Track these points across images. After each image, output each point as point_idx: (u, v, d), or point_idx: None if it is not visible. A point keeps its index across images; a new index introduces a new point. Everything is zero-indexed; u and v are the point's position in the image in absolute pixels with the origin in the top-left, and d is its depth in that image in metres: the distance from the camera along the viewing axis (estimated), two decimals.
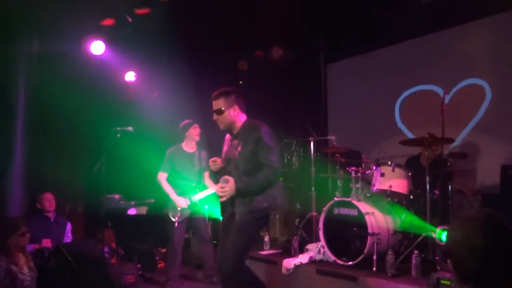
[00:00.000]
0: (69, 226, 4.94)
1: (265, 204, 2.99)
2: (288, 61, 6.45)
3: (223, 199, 2.95)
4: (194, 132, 4.57)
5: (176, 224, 4.41)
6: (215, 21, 5.47)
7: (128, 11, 5.35)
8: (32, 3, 4.71)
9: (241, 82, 7.29)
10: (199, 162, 4.58)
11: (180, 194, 4.47)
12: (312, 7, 5.59)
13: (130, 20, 5.44)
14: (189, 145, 4.63)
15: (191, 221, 4.58)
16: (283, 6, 5.39)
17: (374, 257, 3.77)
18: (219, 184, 2.97)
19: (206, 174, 4.67)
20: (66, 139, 6.06)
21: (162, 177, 4.55)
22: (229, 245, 2.98)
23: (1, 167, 4.94)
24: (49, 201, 4.74)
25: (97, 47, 5.80)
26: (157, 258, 5.64)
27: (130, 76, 6.74)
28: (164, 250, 5.80)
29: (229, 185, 2.92)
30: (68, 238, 4.89)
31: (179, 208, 4.43)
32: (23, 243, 3.35)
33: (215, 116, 3.11)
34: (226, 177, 2.95)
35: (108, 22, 5.55)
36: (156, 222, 6.00)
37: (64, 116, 5.73)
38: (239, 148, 3.04)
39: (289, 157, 6.51)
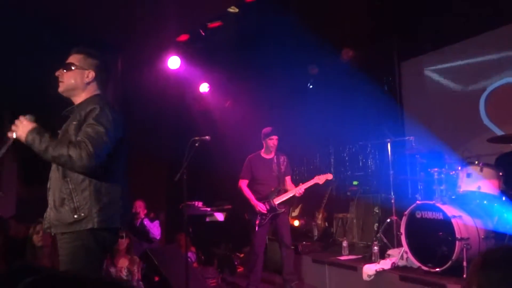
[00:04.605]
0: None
1: (82, 214, 2.11)
2: (360, 61, 6.31)
3: (9, 134, 2.15)
4: (271, 143, 4.66)
5: (256, 229, 4.49)
6: (284, 28, 5.52)
7: (201, 26, 5.60)
8: (116, 27, 5.13)
9: (310, 86, 7.27)
10: (278, 167, 4.66)
11: (260, 199, 4.56)
12: (382, 4, 5.44)
13: (203, 34, 5.69)
14: (268, 152, 4.73)
15: (272, 225, 4.65)
16: (353, 6, 5.30)
17: (464, 263, 3.52)
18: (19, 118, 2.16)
19: (287, 178, 4.73)
20: (148, 150, 6.46)
21: (243, 183, 4.69)
22: None
23: None
24: (140, 208, 5.24)
25: (174, 62, 6.14)
26: (236, 262, 5.78)
27: (204, 88, 7.05)
28: (242, 255, 5.94)
29: (25, 122, 2.14)
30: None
31: (259, 213, 4.51)
32: (119, 246, 3.63)
33: (59, 71, 2.30)
34: (30, 118, 2.17)
35: (183, 37, 5.86)
36: (233, 227, 6.19)
37: (147, 128, 6.14)
38: (68, 123, 2.27)
39: (364, 160, 6.36)
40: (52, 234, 2.22)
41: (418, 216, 4.00)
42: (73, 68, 2.27)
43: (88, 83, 2.30)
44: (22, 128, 2.13)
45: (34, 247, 3.46)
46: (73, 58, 2.31)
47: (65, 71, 2.28)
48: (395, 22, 5.82)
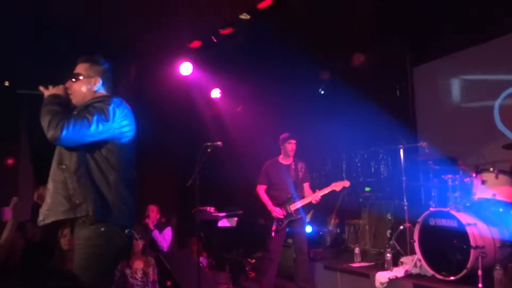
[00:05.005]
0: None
1: (76, 201, 2.09)
2: (371, 67, 6.29)
3: (41, 87, 2.28)
4: (289, 147, 4.67)
5: (273, 234, 4.49)
6: (295, 34, 5.54)
7: (213, 32, 5.65)
8: (130, 33, 5.21)
9: (322, 91, 7.26)
10: (295, 173, 4.66)
11: (277, 204, 4.57)
12: (394, 9, 5.43)
13: (215, 40, 5.73)
14: (286, 158, 4.74)
15: (289, 231, 4.64)
16: (363, 12, 5.30)
17: (479, 272, 3.47)
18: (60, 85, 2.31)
19: (306, 184, 4.73)
20: (161, 156, 6.51)
21: (260, 189, 4.71)
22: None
23: None
24: (153, 212, 5.26)
25: (186, 68, 6.20)
26: (247, 268, 5.77)
27: (215, 93, 7.09)
28: (253, 260, 5.93)
29: (58, 88, 2.27)
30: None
31: (275, 218, 4.52)
32: (135, 248, 3.65)
33: (68, 82, 2.34)
34: (64, 90, 2.31)
35: (195, 44, 5.92)
36: (245, 233, 6.19)
37: (160, 134, 6.18)
38: None
39: (376, 166, 6.32)
40: (41, 224, 2.18)
41: (432, 223, 3.96)
42: (80, 77, 2.32)
43: (96, 90, 2.34)
44: (51, 90, 2.25)
45: (61, 251, 3.51)
46: (80, 68, 2.36)
47: (73, 80, 2.33)
48: (408, 27, 5.79)
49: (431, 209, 4.05)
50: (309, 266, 4.64)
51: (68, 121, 2.05)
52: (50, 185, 2.19)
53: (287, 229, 4.61)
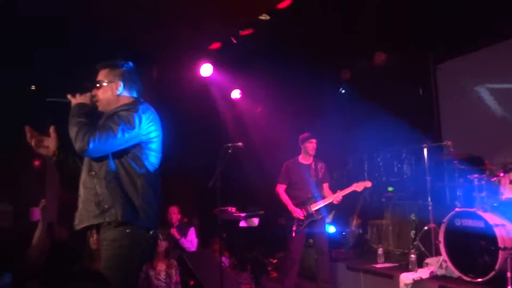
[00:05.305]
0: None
1: (105, 206, 2.15)
2: (393, 65, 6.19)
3: (69, 95, 2.31)
4: (309, 146, 4.66)
5: (293, 234, 4.48)
6: (316, 33, 5.50)
7: (232, 33, 5.67)
8: (151, 36, 5.28)
9: (342, 91, 7.19)
10: (315, 173, 4.64)
11: (297, 204, 4.56)
12: (416, 6, 5.33)
13: (234, 41, 5.75)
14: (306, 157, 4.72)
15: (310, 231, 4.63)
16: (386, 8, 5.23)
17: (508, 274, 3.37)
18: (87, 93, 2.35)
19: (325, 185, 4.71)
20: (182, 157, 6.57)
21: (281, 188, 4.71)
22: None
23: None
24: (174, 213, 5.32)
25: (206, 70, 6.25)
26: (269, 268, 5.78)
27: (235, 94, 7.13)
28: (275, 260, 5.93)
29: (86, 96, 2.31)
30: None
31: (296, 219, 4.51)
32: (159, 249, 3.70)
33: (94, 91, 2.37)
34: (92, 98, 2.36)
35: (215, 45, 5.95)
36: (266, 233, 6.20)
37: (181, 135, 6.24)
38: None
39: (399, 166, 6.22)
40: (77, 229, 2.25)
41: (458, 224, 3.88)
42: (104, 84, 2.36)
43: (119, 94, 2.36)
44: (78, 98, 2.28)
45: (91, 250, 3.58)
46: (101, 75, 2.39)
47: (98, 86, 2.37)
48: (430, 24, 5.67)
49: (457, 209, 3.97)
50: (330, 267, 4.61)
51: (94, 134, 2.11)
52: (81, 192, 2.28)
53: (308, 229, 4.58)
